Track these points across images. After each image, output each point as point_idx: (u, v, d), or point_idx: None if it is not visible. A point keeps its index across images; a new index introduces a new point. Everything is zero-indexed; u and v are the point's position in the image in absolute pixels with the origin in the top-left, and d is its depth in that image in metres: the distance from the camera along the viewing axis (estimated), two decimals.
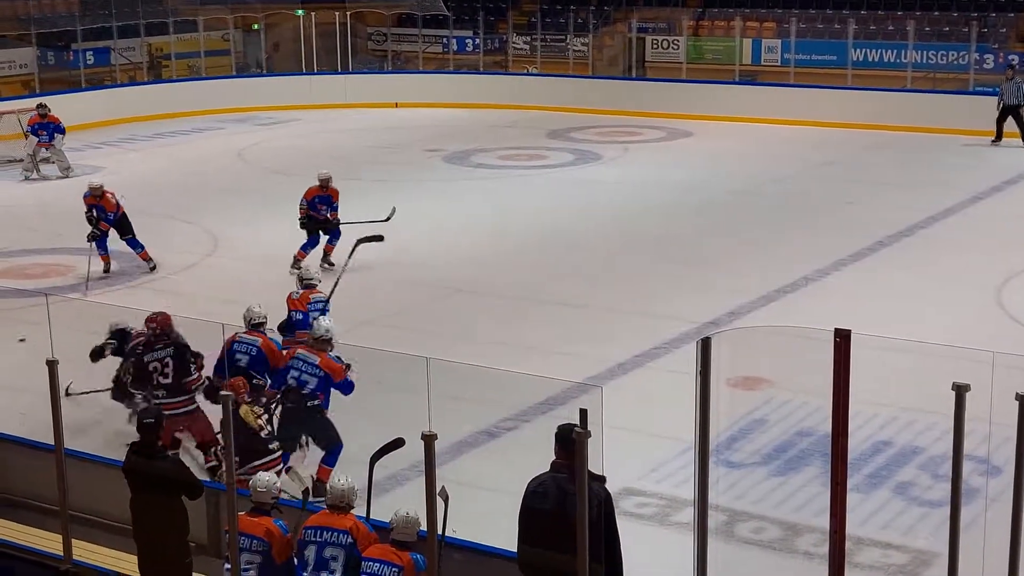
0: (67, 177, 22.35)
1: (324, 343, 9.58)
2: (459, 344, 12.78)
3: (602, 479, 6.08)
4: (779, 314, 13.66)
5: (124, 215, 15.97)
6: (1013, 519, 5.51)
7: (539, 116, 29.04)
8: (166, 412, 8.59)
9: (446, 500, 6.39)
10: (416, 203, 18.78)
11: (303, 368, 9.46)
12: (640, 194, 20.72)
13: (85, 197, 15.89)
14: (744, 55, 30.46)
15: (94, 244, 15.78)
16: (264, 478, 7.10)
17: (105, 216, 15.74)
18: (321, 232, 16.05)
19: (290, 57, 33.63)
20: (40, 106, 22.88)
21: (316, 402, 9.44)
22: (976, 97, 25.82)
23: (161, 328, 9.77)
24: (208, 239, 17.90)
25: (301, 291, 11.53)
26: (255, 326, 10.15)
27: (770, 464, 9.84)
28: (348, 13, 33.12)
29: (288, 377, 9.43)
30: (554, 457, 6.62)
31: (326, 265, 15.50)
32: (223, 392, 7.17)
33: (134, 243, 16.03)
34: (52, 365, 7.03)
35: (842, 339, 5.15)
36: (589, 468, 5.56)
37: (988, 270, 15.22)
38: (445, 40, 33.70)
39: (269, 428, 9.15)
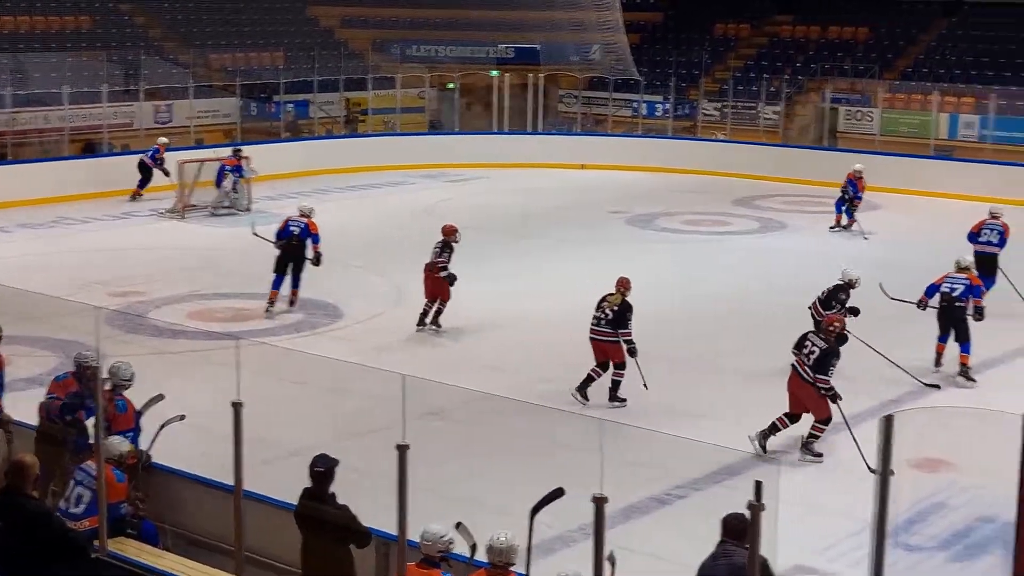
0: (248, 211, 23.68)
1: (966, 269, 14.57)
2: (635, 408, 12.73)
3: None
4: (964, 395, 13.22)
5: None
6: None
7: (726, 182, 28.89)
8: None
9: (613, 564, 6.34)
10: (597, 264, 18.82)
11: (955, 280, 14.34)
12: (827, 265, 20.30)
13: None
14: (940, 130, 29.77)
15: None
16: (433, 529, 7.16)
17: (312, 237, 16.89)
18: None
19: (482, 116, 34.27)
20: (237, 150, 24.37)
21: (961, 304, 14.20)
22: None
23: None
24: (394, 291, 18.28)
25: None
26: None
27: (949, 549, 9.48)
28: (541, 75, 33.62)
29: (943, 287, 14.37)
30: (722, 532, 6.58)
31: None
32: None
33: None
34: (237, 407, 7.24)
35: None
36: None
37: None
38: (635, 104, 33.88)
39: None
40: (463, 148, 31.35)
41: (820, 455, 11.46)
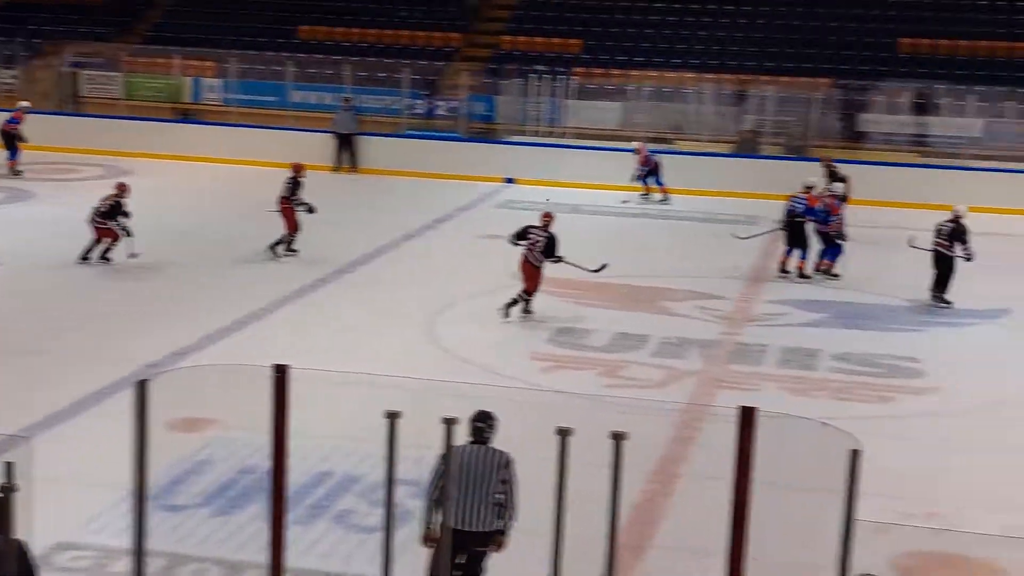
0: None
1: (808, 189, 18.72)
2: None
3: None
4: (226, 352, 13.58)
5: None
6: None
7: None
8: None
9: None
10: None
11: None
12: (79, 234, 19.85)
13: None
14: (185, 93, 30.22)
15: None
16: None
17: None
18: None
19: None
20: None
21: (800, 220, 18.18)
22: (396, 140, 27.77)
23: None
24: None
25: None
26: None
27: (212, 504, 9.69)
28: None
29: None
30: None
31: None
32: None
33: None
34: None
35: (280, 374, 5.16)
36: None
37: (422, 303, 16.00)
38: None
39: None
40: None
41: (532, 311, 15.25)
